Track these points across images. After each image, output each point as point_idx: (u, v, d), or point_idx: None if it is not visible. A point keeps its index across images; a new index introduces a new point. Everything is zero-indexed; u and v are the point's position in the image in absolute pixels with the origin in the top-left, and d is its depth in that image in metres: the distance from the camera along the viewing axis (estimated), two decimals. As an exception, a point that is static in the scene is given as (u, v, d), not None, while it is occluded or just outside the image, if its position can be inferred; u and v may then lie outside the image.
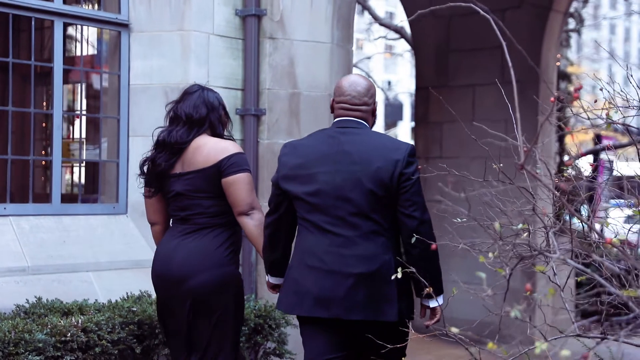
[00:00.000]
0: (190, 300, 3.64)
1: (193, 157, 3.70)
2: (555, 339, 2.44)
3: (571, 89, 9.47)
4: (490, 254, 2.36)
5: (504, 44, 2.36)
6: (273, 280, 3.65)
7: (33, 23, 4.96)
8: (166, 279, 3.69)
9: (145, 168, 3.82)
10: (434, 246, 2.78)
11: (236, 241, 3.77)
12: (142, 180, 3.87)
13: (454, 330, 2.23)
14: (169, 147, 3.73)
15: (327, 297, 3.25)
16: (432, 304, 3.35)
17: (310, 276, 3.30)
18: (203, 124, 3.76)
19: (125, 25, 5.21)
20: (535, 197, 2.79)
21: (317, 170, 3.33)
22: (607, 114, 2.67)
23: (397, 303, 3.20)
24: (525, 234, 2.48)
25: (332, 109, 3.51)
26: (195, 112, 3.74)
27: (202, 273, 3.61)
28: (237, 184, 3.64)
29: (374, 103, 3.49)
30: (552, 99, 2.41)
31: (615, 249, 2.31)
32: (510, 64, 2.34)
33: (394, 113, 35.62)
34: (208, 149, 3.68)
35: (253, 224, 3.65)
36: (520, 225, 2.45)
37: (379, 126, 31.29)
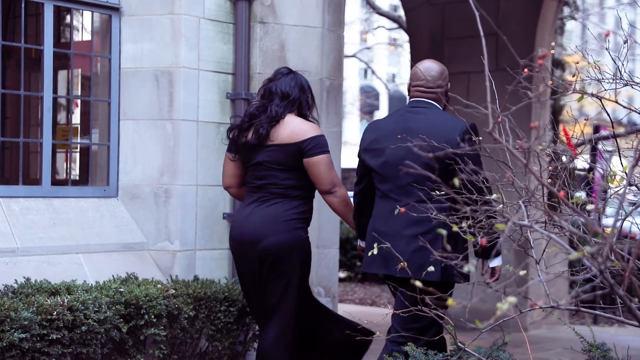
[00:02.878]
0: (260, 261, 3.99)
1: (278, 132, 4.04)
2: (528, 310, 2.45)
3: (566, 77, 9.46)
4: (464, 224, 2.37)
5: (481, 31, 2.36)
6: (364, 244, 4.03)
7: (23, 5, 4.96)
8: (241, 242, 4.07)
9: (231, 134, 4.15)
10: (402, 210, 2.88)
11: (305, 212, 4.10)
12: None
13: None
14: (265, 119, 4.05)
15: (387, 257, 3.63)
16: (493, 263, 3.71)
17: (378, 238, 3.67)
18: (294, 103, 4.12)
19: (116, 9, 5.21)
20: (515, 170, 2.80)
21: (386, 144, 3.79)
22: (582, 88, 2.68)
23: (440, 265, 3.43)
24: (500, 205, 2.49)
25: (409, 92, 3.93)
26: (292, 91, 4.12)
27: (272, 236, 3.96)
28: (319, 164, 4.02)
29: (447, 85, 3.89)
30: (525, 70, 2.42)
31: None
32: (484, 50, 2.35)
33: (398, 104, 35.97)
34: (293, 127, 4.04)
35: (337, 201, 4.08)
36: (494, 196, 2.46)
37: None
